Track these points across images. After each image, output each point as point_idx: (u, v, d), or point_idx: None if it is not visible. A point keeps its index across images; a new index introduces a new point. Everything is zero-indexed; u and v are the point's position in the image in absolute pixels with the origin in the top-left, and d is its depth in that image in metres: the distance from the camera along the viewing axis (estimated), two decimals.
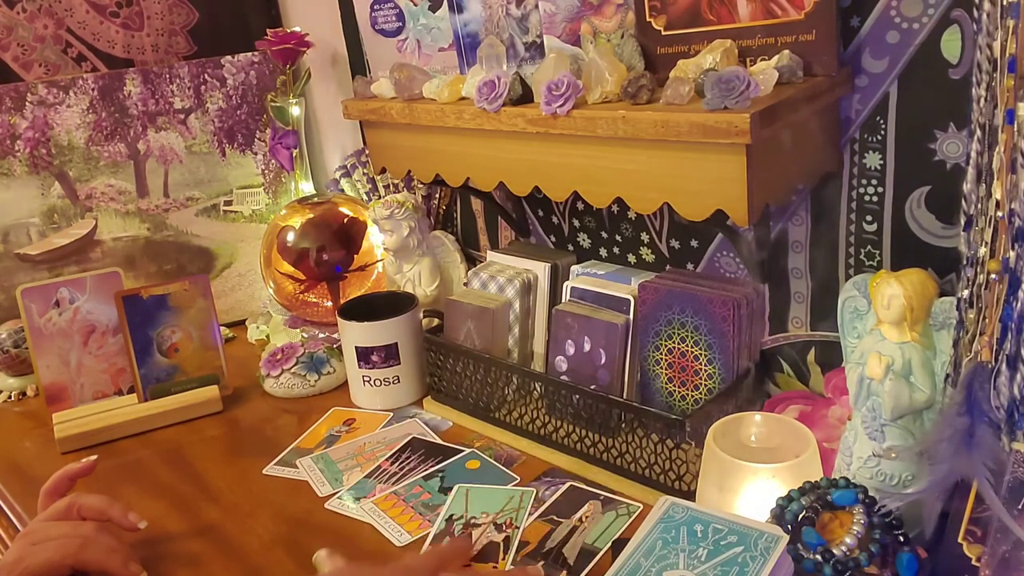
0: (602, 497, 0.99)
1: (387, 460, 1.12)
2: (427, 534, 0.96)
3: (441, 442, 1.16)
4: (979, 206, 0.70)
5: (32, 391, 1.44)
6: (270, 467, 1.14)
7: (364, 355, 1.25)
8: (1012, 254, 0.67)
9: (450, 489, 1.03)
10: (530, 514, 0.97)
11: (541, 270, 1.21)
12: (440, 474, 1.07)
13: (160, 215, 1.59)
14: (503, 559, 0.90)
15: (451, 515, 0.99)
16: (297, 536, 0.99)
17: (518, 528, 0.94)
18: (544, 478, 1.05)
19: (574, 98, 0.90)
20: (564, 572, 0.88)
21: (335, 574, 0.85)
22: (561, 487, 1.02)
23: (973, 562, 0.70)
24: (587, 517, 0.96)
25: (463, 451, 1.12)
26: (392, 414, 1.25)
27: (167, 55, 1.66)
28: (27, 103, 1.48)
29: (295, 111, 1.57)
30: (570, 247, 1.28)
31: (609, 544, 0.91)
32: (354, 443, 1.18)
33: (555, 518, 0.96)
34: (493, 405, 1.17)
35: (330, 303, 1.48)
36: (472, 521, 0.97)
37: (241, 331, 1.60)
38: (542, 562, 0.89)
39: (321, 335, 1.46)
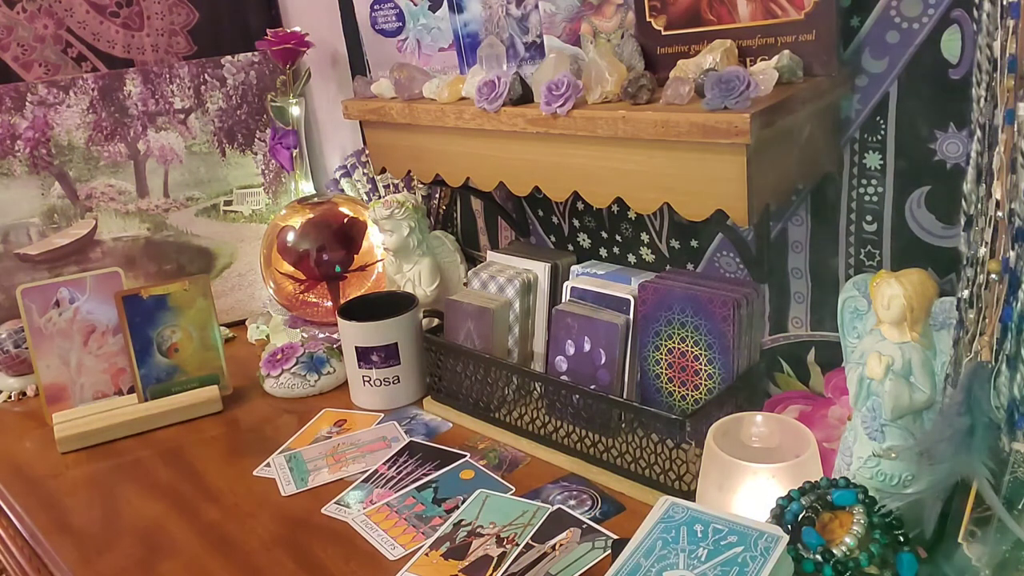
0: (584, 526, 0.95)
1: (384, 464, 1.12)
2: (420, 547, 0.94)
3: (439, 446, 1.15)
4: (979, 206, 0.70)
5: (32, 391, 1.44)
6: (259, 469, 1.14)
7: (364, 355, 1.25)
8: (1012, 254, 0.67)
9: (444, 500, 1.03)
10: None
11: (541, 270, 1.21)
12: (433, 484, 1.06)
13: (160, 215, 1.59)
14: (490, 574, 0.89)
15: (460, 520, 0.98)
16: (297, 536, 0.99)
17: (517, 546, 0.93)
18: (562, 482, 1.04)
19: (574, 98, 0.90)
20: None
21: None
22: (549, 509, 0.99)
23: (973, 562, 0.69)
24: (561, 546, 0.93)
25: (459, 457, 1.12)
26: (382, 416, 1.25)
27: (167, 55, 1.66)
28: (27, 103, 1.48)
29: (295, 111, 1.57)
30: (570, 247, 1.28)
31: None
32: (328, 443, 1.18)
33: (530, 542, 0.93)
34: (493, 405, 1.17)
35: (330, 303, 1.48)
36: (478, 530, 0.96)
37: (241, 331, 1.60)
38: None
39: (321, 335, 1.46)
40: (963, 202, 0.71)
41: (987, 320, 0.71)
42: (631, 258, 1.20)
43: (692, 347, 1.03)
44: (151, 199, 1.58)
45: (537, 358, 1.22)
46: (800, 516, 0.75)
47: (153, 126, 1.56)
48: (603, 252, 1.24)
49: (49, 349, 1.31)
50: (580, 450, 1.06)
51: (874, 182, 0.92)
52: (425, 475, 1.08)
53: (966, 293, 0.72)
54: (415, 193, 1.46)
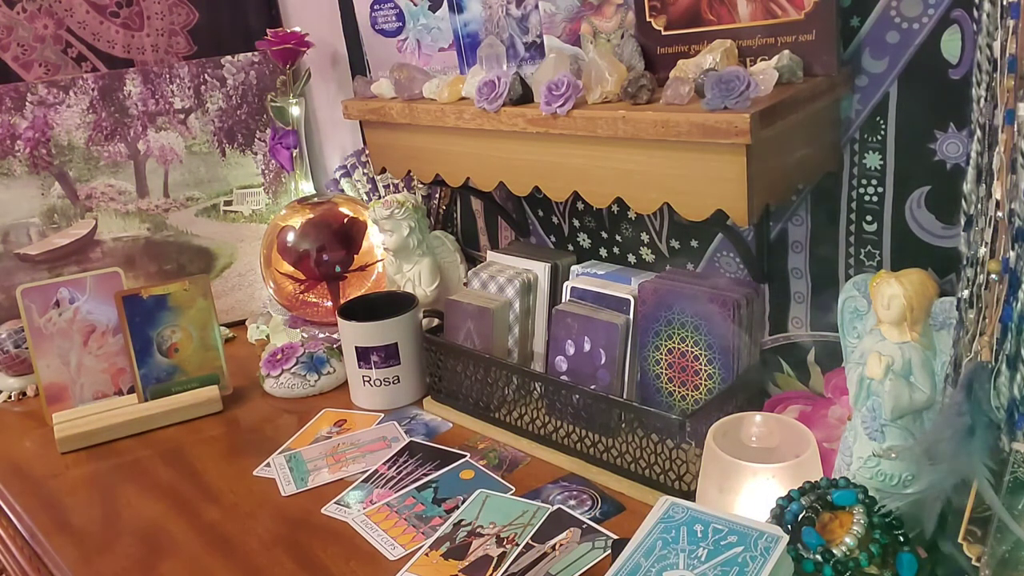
0: (584, 526, 0.95)
1: (384, 464, 1.12)
2: (420, 547, 0.94)
3: (440, 446, 1.15)
4: (979, 206, 0.70)
5: (32, 391, 1.44)
6: (259, 469, 1.14)
7: (364, 355, 1.25)
8: (1012, 254, 0.67)
9: (444, 500, 1.02)
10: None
11: (541, 270, 1.21)
12: (433, 484, 1.06)
13: (160, 215, 1.59)
14: (490, 574, 0.89)
15: (460, 520, 0.98)
16: (297, 536, 0.99)
17: (517, 546, 0.93)
18: (562, 482, 1.04)
19: (574, 98, 0.90)
20: None
21: None
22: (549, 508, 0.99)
23: (973, 562, 0.69)
24: (561, 545, 0.92)
25: (460, 457, 1.11)
26: (382, 416, 1.25)
27: (167, 55, 1.66)
28: (27, 103, 1.48)
29: (295, 111, 1.57)
30: (570, 247, 1.28)
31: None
32: (328, 443, 1.18)
33: (530, 542, 0.93)
34: (493, 405, 1.17)
35: (330, 303, 1.48)
36: (478, 530, 0.96)
37: (241, 331, 1.60)
38: None
39: (321, 335, 1.46)
40: (963, 202, 0.71)
41: (987, 320, 0.70)
42: (631, 258, 1.20)
43: (692, 347, 1.03)
44: (151, 199, 1.58)
45: (537, 358, 1.22)
46: (800, 516, 0.75)
47: (153, 126, 1.56)
48: (603, 252, 1.24)
49: (49, 349, 1.31)
50: (580, 450, 1.06)
51: (874, 182, 0.92)
52: (425, 475, 1.08)
53: (966, 293, 0.72)
54: (415, 193, 1.46)
